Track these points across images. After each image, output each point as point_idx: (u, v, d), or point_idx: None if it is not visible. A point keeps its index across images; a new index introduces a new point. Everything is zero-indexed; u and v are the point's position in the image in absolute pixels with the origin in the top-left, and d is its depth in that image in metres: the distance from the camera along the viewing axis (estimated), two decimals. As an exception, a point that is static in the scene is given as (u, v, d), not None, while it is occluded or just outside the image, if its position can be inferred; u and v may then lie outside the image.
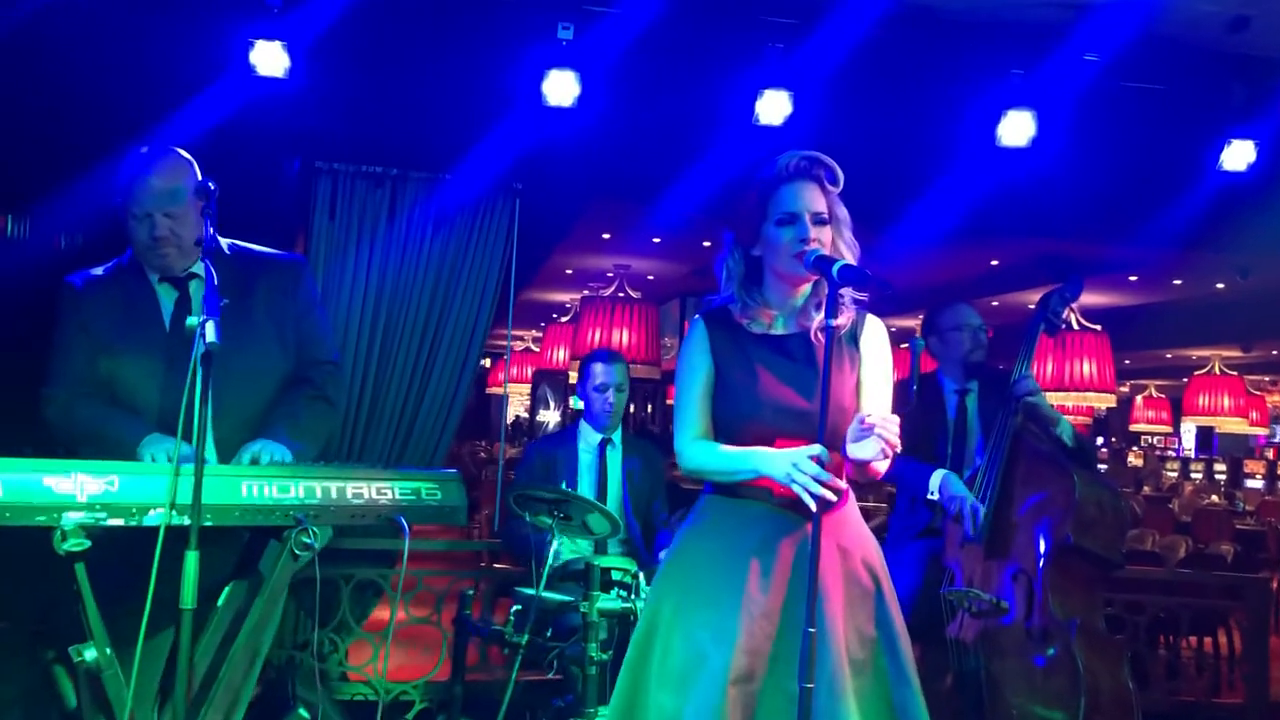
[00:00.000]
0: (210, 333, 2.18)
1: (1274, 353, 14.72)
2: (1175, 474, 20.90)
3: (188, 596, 2.17)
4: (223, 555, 2.55)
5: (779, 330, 2.44)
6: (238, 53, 4.00)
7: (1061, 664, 3.37)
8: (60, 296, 2.77)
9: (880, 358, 2.46)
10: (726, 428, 2.38)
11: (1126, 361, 15.25)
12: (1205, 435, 21.87)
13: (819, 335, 2.39)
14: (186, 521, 2.20)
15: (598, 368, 4.21)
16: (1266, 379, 18.42)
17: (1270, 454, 21.44)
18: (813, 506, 2.17)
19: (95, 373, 2.70)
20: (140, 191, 2.66)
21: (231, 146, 2.86)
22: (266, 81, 4.07)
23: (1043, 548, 3.50)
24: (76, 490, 2.19)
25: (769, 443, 2.31)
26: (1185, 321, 11.41)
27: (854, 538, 2.38)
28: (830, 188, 2.38)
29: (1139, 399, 16.07)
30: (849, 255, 2.36)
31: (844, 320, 2.37)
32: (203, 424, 2.22)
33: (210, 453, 2.62)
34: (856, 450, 2.20)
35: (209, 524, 2.27)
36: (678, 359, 2.50)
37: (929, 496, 3.79)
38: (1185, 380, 14.52)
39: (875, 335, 2.47)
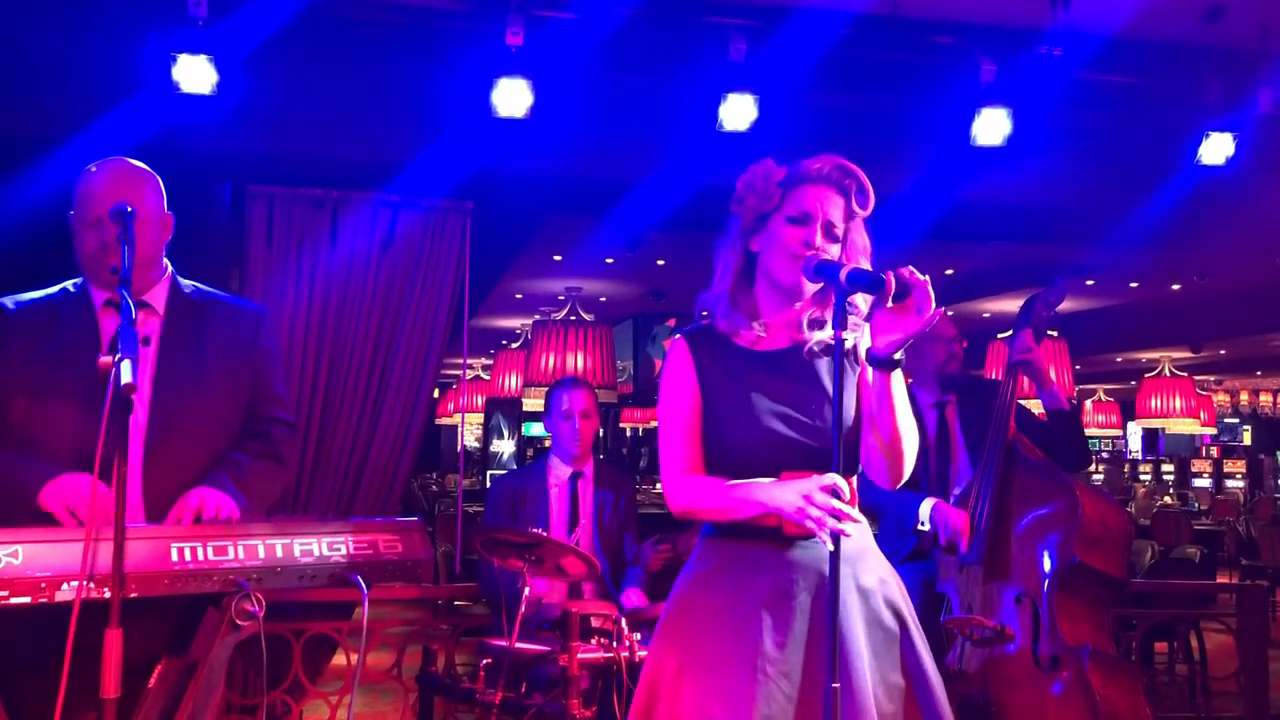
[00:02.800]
0: (126, 373, 1.86)
1: (1222, 352, 14.85)
2: (1125, 476, 21.12)
3: (109, 683, 1.85)
4: (152, 627, 2.23)
5: (770, 345, 2.18)
6: (158, 68, 3.67)
7: (1075, 694, 3.15)
8: None
9: None
10: (721, 460, 2.11)
11: (1078, 366, 15.31)
12: (1151, 437, 22.13)
13: (815, 350, 2.15)
14: (106, 595, 1.88)
15: (563, 396, 3.94)
16: (1212, 379, 18.64)
17: (1215, 453, 21.76)
18: (828, 544, 1.91)
19: (8, 412, 2.37)
20: (89, 195, 2.39)
21: (154, 170, 2.55)
22: (192, 99, 3.75)
23: (1047, 568, 3.29)
24: (-32, 567, 1.86)
25: (774, 475, 2.04)
26: (1137, 324, 11.44)
27: (875, 576, 2.12)
28: (857, 209, 2.13)
29: (1088, 403, 16.10)
30: None
31: (853, 334, 2.13)
32: (121, 478, 1.91)
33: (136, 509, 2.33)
34: (893, 317, 1.95)
35: (133, 596, 1.95)
36: (660, 385, 2.23)
37: (920, 528, 3.58)
38: (1133, 383, 14.59)
39: None
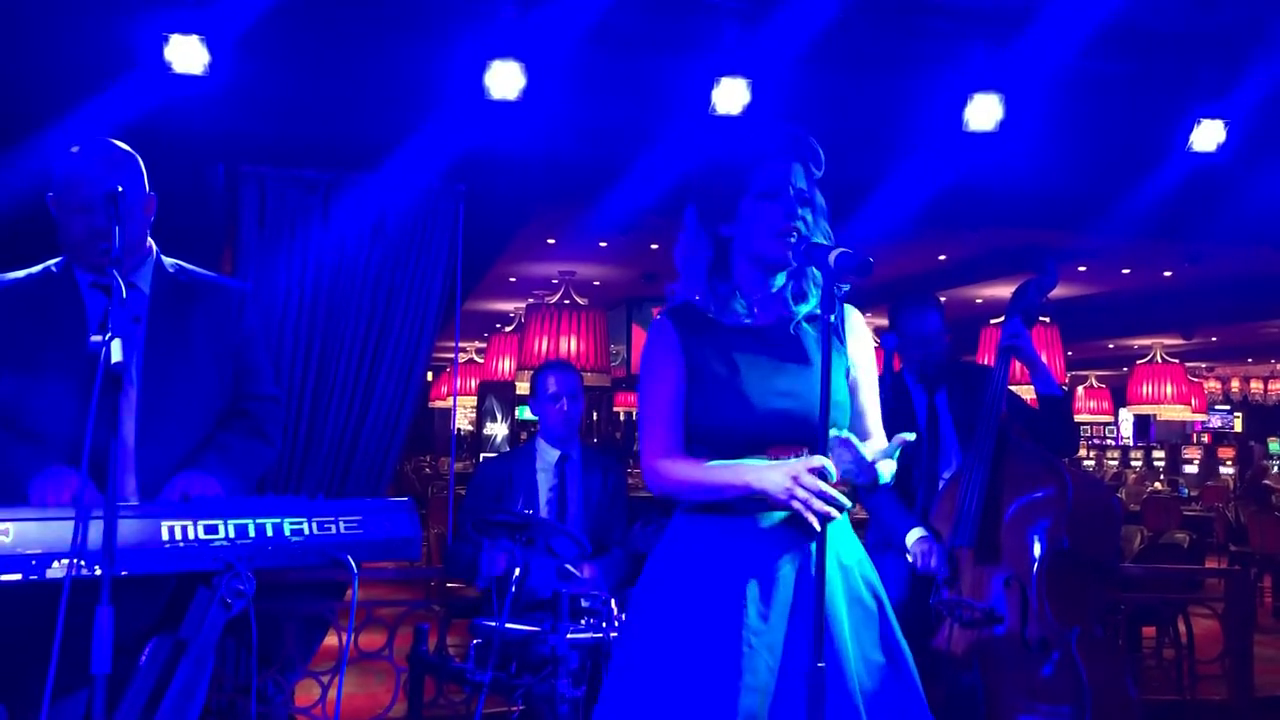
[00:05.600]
0: (116, 352, 1.87)
1: (1214, 339, 14.89)
2: (1115, 463, 21.21)
3: (101, 659, 1.86)
4: (144, 603, 2.25)
5: (754, 321, 2.17)
6: (150, 48, 3.66)
7: (1063, 676, 3.18)
8: None
9: (868, 352, 2.24)
10: (709, 437, 2.09)
11: (1069, 353, 15.37)
12: (1142, 423, 22.20)
13: (800, 323, 2.15)
14: (97, 573, 1.89)
15: (550, 378, 3.96)
16: (1204, 365, 18.71)
17: (1206, 439, 21.84)
18: (817, 526, 1.93)
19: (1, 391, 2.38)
20: (75, 179, 2.38)
21: (145, 151, 2.55)
22: (184, 79, 3.75)
23: (1037, 551, 3.31)
24: (-40, 544, 1.87)
25: (761, 451, 2.05)
26: (1129, 311, 11.45)
27: (853, 552, 2.14)
28: (814, 170, 2.15)
29: (1080, 390, 16.16)
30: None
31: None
32: (112, 457, 1.92)
33: (131, 488, 2.34)
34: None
35: (124, 574, 1.96)
36: (641, 365, 2.21)
37: (906, 557, 3.58)
38: (1125, 369, 14.63)
39: (859, 327, 2.24)
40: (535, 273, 9.70)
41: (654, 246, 8.20)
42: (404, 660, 3.86)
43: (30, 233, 2.74)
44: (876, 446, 2.15)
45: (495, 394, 14.84)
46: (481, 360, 12.87)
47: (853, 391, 2.19)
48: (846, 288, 2.13)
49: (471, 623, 3.28)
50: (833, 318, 1.96)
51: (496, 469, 4.00)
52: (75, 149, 2.45)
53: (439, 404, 16.30)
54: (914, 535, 3.53)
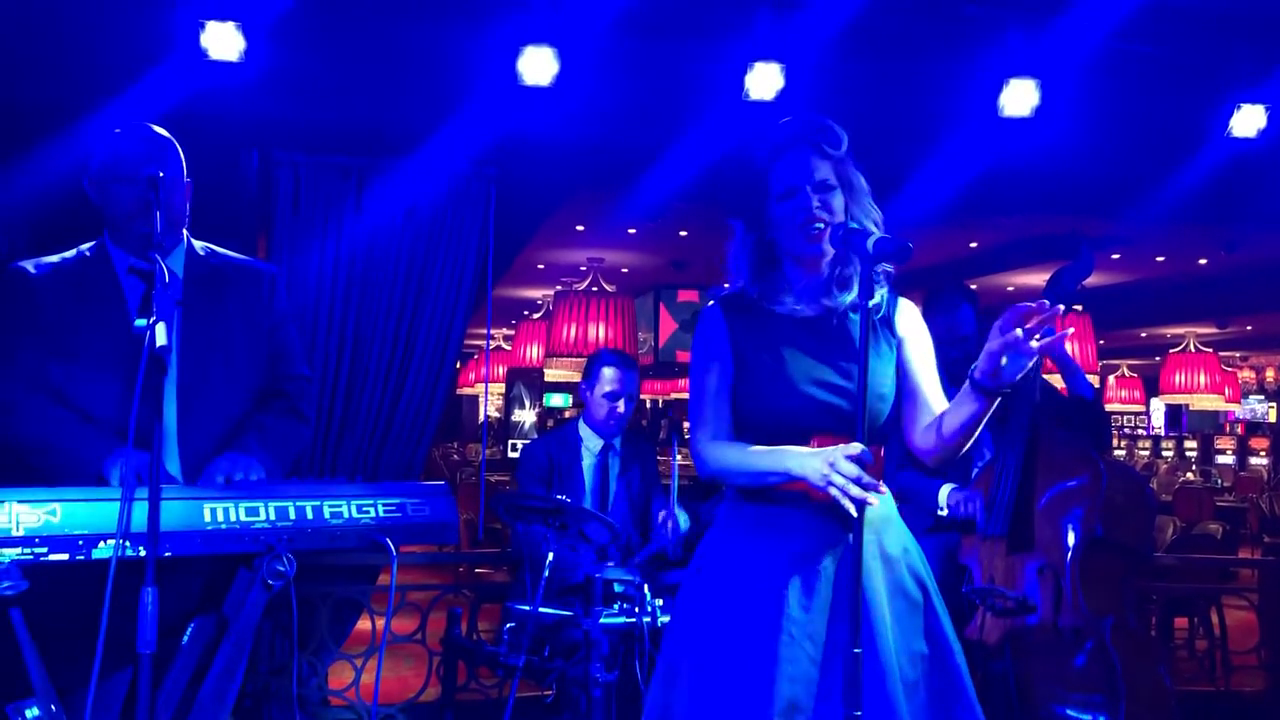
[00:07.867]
0: (161, 335, 1.89)
1: (1248, 328, 14.69)
2: (1147, 453, 21.00)
3: (147, 638, 1.89)
4: (186, 584, 2.28)
5: (804, 311, 2.18)
6: (186, 35, 3.69)
7: (1097, 666, 3.16)
8: (7, 284, 2.47)
9: (923, 338, 2.24)
10: (755, 424, 2.12)
11: (1101, 341, 15.22)
12: (1174, 413, 21.94)
13: (846, 312, 2.16)
14: (141, 553, 1.92)
15: (609, 373, 3.86)
16: (1238, 355, 18.47)
17: (1240, 430, 21.56)
18: (853, 511, 1.94)
19: (45, 375, 2.41)
20: (126, 154, 2.43)
21: (181, 138, 2.58)
22: (220, 66, 3.76)
23: (1071, 541, 3.30)
24: (10, 523, 1.90)
25: (805, 440, 2.06)
26: (1163, 299, 11.31)
27: (898, 544, 2.15)
28: (831, 151, 2.12)
29: (1111, 379, 16.00)
30: (870, 225, 2.12)
31: (876, 299, 2.14)
32: (158, 439, 1.94)
33: (174, 469, 2.38)
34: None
35: (167, 555, 1.99)
36: (692, 352, 2.24)
37: (940, 513, 3.58)
38: (1158, 359, 14.47)
39: (911, 316, 2.25)
40: (564, 259, 9.70)
41: (683, 234, 8.18)
42: (436, 644, 3.90)
43: (68, 219, 2.77)
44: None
45: (523, 380, 14.89)
46: (509, 347, 12.90)
47: (912, 378, 2.20)
48: (889, 268, 2.13)
49: (504, 606, 3.30)
50: (872, 302, 1.96)
51: (544, 451, 3.96)
52: (118, 130, 2.50)
53: (466, 391, 16.36)
54: (945, 490, 3.55)
